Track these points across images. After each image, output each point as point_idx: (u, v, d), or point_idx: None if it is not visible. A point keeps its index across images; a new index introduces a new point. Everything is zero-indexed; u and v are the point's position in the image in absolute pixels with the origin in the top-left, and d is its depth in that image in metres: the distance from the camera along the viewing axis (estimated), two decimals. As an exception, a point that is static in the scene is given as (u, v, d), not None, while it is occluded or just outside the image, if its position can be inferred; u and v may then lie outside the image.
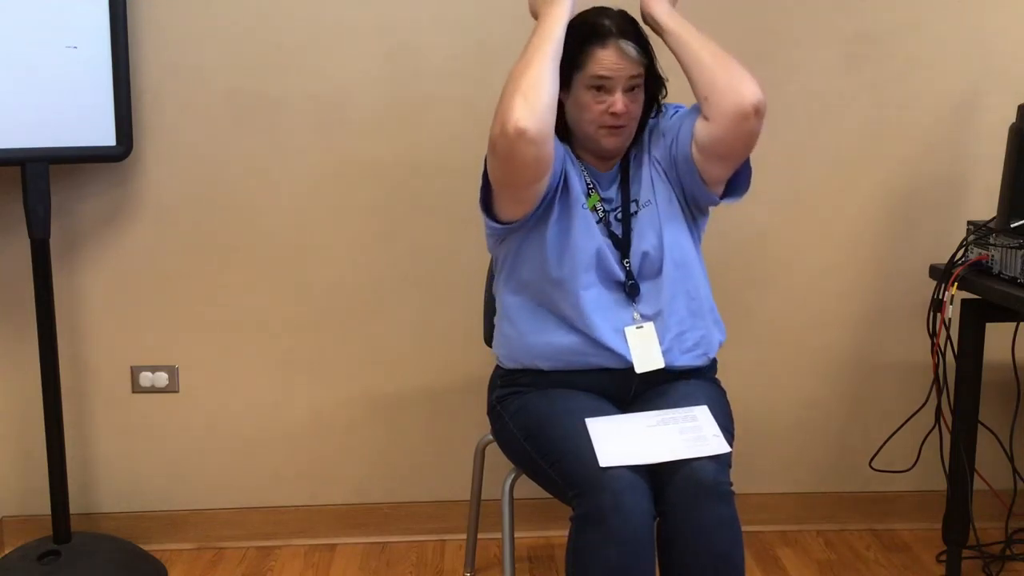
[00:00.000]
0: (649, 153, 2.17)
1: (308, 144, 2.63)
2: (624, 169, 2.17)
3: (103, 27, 2.40)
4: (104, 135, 2.44)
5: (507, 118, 1.92)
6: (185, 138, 2.61)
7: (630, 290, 2.10)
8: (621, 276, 2.10)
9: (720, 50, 2.06)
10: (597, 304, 2.08)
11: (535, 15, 2.09)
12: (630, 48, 2.03)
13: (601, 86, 2.04)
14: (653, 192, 2.14)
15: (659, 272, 2.11)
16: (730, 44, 2.63)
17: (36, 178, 2.40)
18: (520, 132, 1.91)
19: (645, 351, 2.08)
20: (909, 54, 2.68)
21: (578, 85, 2.06)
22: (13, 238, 2.60)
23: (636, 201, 2.14)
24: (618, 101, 2.04)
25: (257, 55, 2.59)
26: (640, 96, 2.10)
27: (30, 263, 2.45)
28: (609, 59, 2.02)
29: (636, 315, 2.10)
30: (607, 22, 2.05)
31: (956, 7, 2.66)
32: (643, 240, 2.11)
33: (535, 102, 1.92)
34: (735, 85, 2.00)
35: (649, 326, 2.09)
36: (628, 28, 2.06)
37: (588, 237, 2.08)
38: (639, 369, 2.07)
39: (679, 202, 2.14)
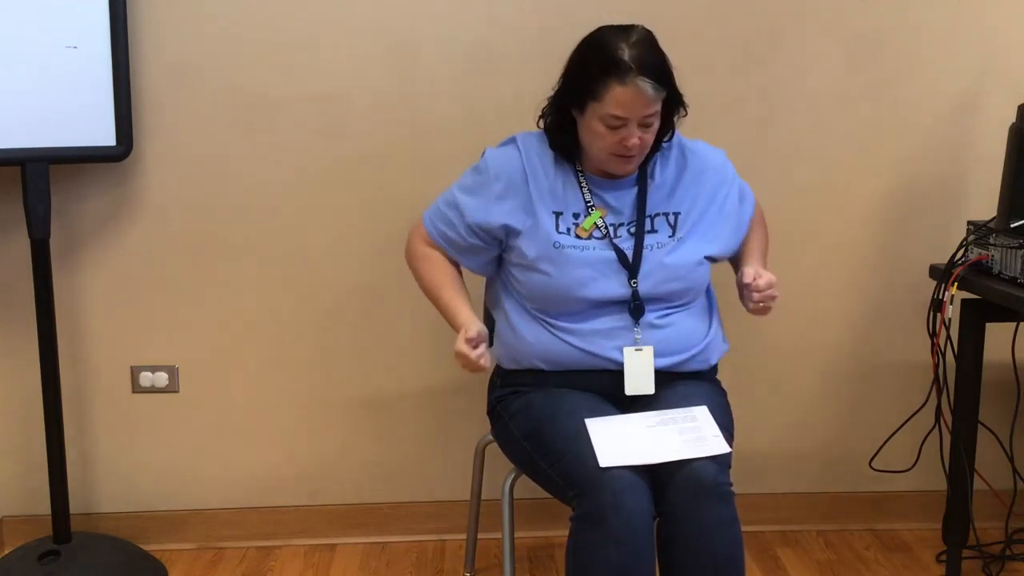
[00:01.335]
0: (693, 174, 2.17)
1: (308, 144, 2.63)
2: (642, 187, 2.15)
3: (103, 27, 2.40)
4: (104, 135, 2.44)
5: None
6: (185, 138, 2.61)
7: (634, 310, 2.08)
8: (625, 295, 2.08)
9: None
10: (591, 331, 2.08)
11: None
12: (648, 87, 1.97)
13: (613, 125, 2.01)
14: (683, 215, 2.13)
15: (669, 296, 2.10)
16: (731, 44, 2.65)
17: (36, 178, 2.39)
18: None
19: (638, 374, 2.06)
20: (909, 54, 2.68)
21: (592, 114, 2.02)
22: (13, 238, 2.60)
23: (651, 218, 2.13)
24: (632, 136, 2.01)
25: (257, 55, 2.59)
26: (655, 126, 2.06)
27: (30, 263, 2.45)
28: (627, 98, 1.97)
29: (637, 336, 2.08)
30: (627, 55, 1.97)
31: (956, 7, 2.66)
32: (658, 266, 2.09)
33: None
34: None
35: (648, 350, 2.07)
36: (649, 60, 1.98)
37: (569, 285, 2.07)
38: (629, 392, 2.07)
39: (711, 232, 2.16)
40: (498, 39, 2.60)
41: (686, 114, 2.15)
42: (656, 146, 2.14)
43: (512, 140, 2.19)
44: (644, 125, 2.02)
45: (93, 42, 2.40)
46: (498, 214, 2.11)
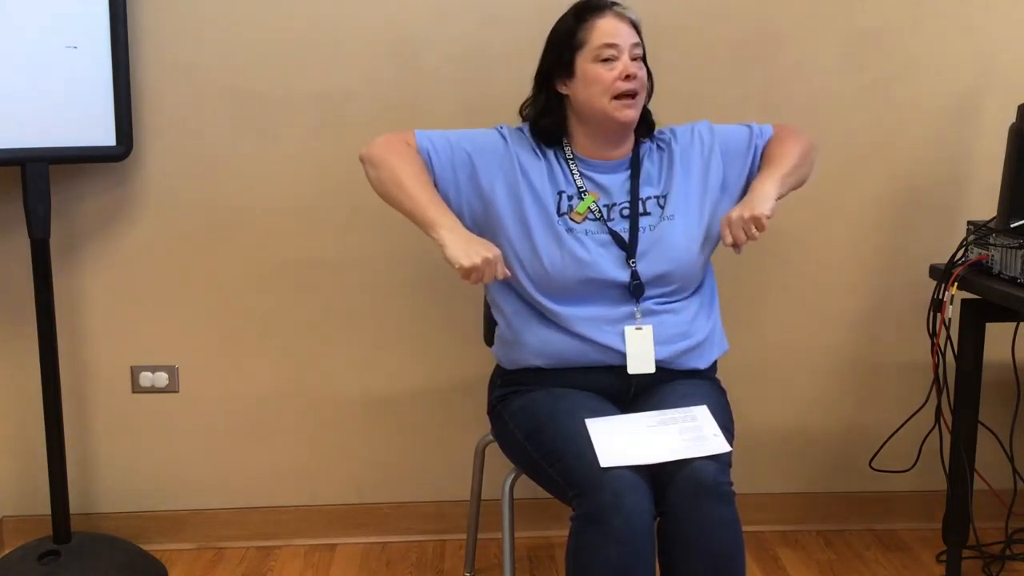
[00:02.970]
0: (674, 158, 2.17)
1: (308, 144, 2.63)
2: (635, 165, 2.16)
3: (103, 27, 2.40)
4: (104, 135, 2.44)
5: (364, 156, 2.13)
6: (185, 138, 2.61)
7: (634, 290, 2.09)
8: (624, 278, 2.09)
9: (797, 159, 2.17)
10: (590, 316, 2.08)
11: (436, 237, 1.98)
12: (625, 14, 2.10)
13: (608, 57, 2.06)
14: (670, 195, 2.14)
15: (668, 277, 2.10)
16: (731, 43, 2.65)
17: (36, 178, 2.40)
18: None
19: (640, 353, 2.08)
20: (909, 54, 2.68)
21: (582, 64, 2.08)
22: (13, 238, 2.60)
23: (643, 201, 2.14)
24: (629, 66, 2.06)
25: (257, 55, 2.59)
26: (644, 69, 2.12)
27: (30, 263, 2.45)
28: (611, 26, 2.07)
29: (638, 314, 2.09)
30: (598, 2, 2.10)
31: (956, 7, 2.67)
32: (655, 245, 2.10)
33: (376, 176, 2.10)
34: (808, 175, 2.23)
35: (648, 329, 2.08)
36: (618, 7, 2.12)
37: (571, 265, 2.07)
38: (631, 370, 2.07)
39: (704, 206, 2.15)
40: (498, 39, 2.60)
41: (651, 91, 2.18)
42: (645, 118, 2.16)
43: (499, 127, 2.21)
44: (634, 58, 2.08)
45: (93, 42, 2.40)
46: (490, 161, 2.14)
